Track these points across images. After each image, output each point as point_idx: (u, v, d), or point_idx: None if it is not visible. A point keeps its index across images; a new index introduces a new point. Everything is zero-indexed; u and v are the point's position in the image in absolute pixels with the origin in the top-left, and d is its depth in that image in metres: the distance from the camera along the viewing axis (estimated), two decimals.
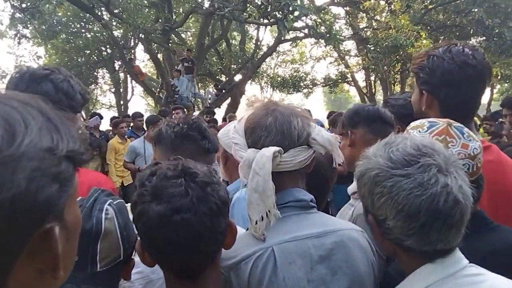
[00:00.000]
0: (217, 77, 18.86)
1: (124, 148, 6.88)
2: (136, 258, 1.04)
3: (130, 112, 13.06)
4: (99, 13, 14.81)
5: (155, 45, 15.05)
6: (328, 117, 8.06)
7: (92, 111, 15.42)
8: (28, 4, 13.74)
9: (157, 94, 15.20)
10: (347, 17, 19.28)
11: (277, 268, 1.06)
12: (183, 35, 19.69)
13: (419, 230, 0.96)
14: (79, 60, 21.06)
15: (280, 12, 11.06)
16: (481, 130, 6.84)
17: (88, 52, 20.70)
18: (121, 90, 24.13)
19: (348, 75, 22.27)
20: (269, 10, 11.51)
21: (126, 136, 7.30)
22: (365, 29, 18.24)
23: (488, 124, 6.50)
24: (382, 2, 17.33)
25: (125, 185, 6.93)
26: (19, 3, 13.82)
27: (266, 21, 12.90)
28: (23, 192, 0.46)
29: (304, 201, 1.17)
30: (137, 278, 1.19)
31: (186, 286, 0.99)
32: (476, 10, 15.66)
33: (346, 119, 1.83)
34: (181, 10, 16.26)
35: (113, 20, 15.81)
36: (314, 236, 1.12)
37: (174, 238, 0.90)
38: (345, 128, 1.82)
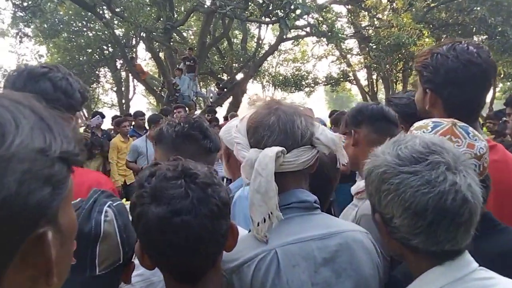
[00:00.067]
0: (219, 75, 18.85)
1: (126, 147, 6.87)
2: (137, 260, 1.02)
3: (132, 111, 13.07)
4: (101, 12, 14.81)
5: (157, 43, 15.05)
6: (330, 116, 8.05)
7: (94, 110, 15.44)
8: (30, 2, 13.73)
9: (158, 92, 15.20)
10: (349, 15, 19.26)
11: (280, 271, 1.04)
12: (184, 34, 19.68)
13: (426, 228, 0.94)
14: (81, 59, 21.06)
15: (282, 11, 11.04)
16: (484, 129, 6.80)
17: (90, 51, 20.69)
18: (123, 89, 24.16)
19: (350, 74, 22.24)
20: (270, 8, 11.49)
21: (128, 135, 7.29)
22: (367, 28, 18.19)
23: (491, 123, 6.47)
24: (384, 1, 17.32)
25: (127, 184, 6.92)
26: (20, 2, 13.81)
27: (267, 19, 12.87)
28: (13, 196, 0.43)
29: (308, 202, 1.15)
30: (138, 281, 1.17)
31: None
32: (478, 8, 15.62)
33: (350, 118, 1.81)
34: (182, 8, 16.27)
35: (114, 19, 15.79)
36: (318, 238, 1.10)
37: (174, 241, 0.88)
38: (348, 127, 1.80)
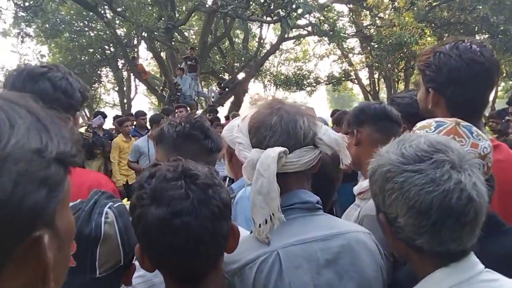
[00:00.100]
0: (220, 75, 18.85)
1: (128, 146, 6.87)
2: (137, 262, 1.01)
3: (133, 110, 13.08)
4: (102, 12, 14.81)
5: (158, 43, 15.05)
6: (331, 115, 8.04)
7: (96, 110, 15.46)
8: (31, 2, 13.74)
9: (160, 92, 15.21)
10: (351, 14, 19.23)
11: (282, 272, 1.02)
12: (186, 33, 19.69)
13: (431, 228, 0.92)
14: (82, 58, 21.08)
15: (283, 10, 11.02)
16: (487, 128, 6.78)
17: (91, 50, 20.70)
18: (125, 88, 24.17)
19: (352, 73, 22.24)
20: (272, 7, 11.47)
21: (130, 135, 7.28)
22: (369, 27, 18.18)
23: (494, 122, 6.45)
24: (386, 0, 17.26)
25: (129, 183, 6.92)
26: (22, 2, 13.82)
27: (269, 18, 12.84)
28: (8, 197, 0.42)
29: (310, 203, 1.13)
30: (139, 283, 1.16)
31: None
32: (480, 7, 15.58)
33: (352, 118, 1.79)
34: (184, 8, 16.27)
35: (116, 19, 15.80)
36: (321, 239, 1.08)
37: (174, 243, 0.87)
38: (350, 127, 1.79)
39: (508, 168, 1.46)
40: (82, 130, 6.63)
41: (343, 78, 22.32)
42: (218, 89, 16.50)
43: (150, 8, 13.81)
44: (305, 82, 22.06)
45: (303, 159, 1.10)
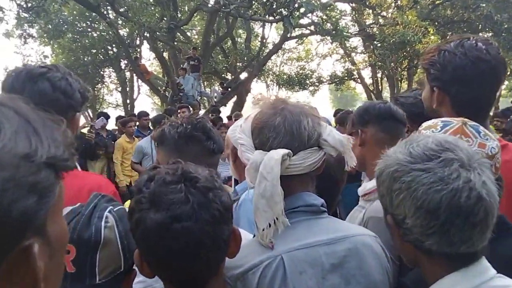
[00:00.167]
0: (223, 75, 18.86)
1: (132, 147, 6.86)
2: None
3: (136, 111, 13.07)
4: (105, 12, 14.85)
5: (161, 43, 15.06)
6: (334, 115, 8.01)
7: (99, 111, 15.49)
8: (33, 3, 13.77)
9: (162, 92, 15.21)
10: (353, 13, 19.19)
11: (286, 278, 1.00)
12: (188, 33, 19.71)
13: (440, 228, 0.90)
14: (85, 59, 21.16)
15: (286, 9, 11.01)
16: (492, 127, 6.74)
17: (94, 51, 20.77)
18: (128, 89, 24.23)
19: (355, 72, 22.22)
20: (274, 7, 11.45)
21: (133, 136, 7.27)
22: (372, 26, 18.14)
23: (498, 121, 6.40)
24: None
25: (133, 184, 6.90)
26: (24, 2, 13.85)
27: (271, 18, 12.83)
28: None
29: (315, 206, 1.10)
30: None
31: None
32: (484, 5, 15.53)
33: (356, 118, 1.77)
34: (186, 8, 16.26)
35: (118, 19, 15.84)
36: (326, 243, 1.06)
37: (174, 248, 0.84)
38: (355, 127, 1.76)
39: None
40: (85, 130, 6.63)
41: (346, 78, 22.30)
42: (221, 89, 16.52)
43: (152, 8, 13.83)
44: (307, 82, 22.04)
45: (307, 161, 1.07)
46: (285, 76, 22.62)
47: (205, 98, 17.76)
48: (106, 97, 26.59)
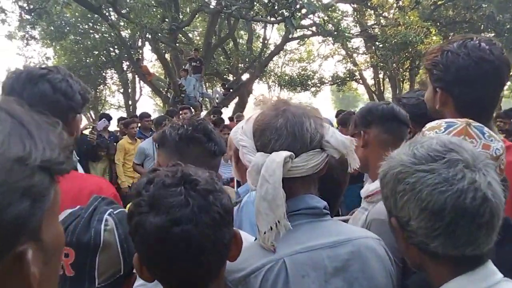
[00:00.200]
0: (225, 76, 18.87)
1: (134, 148, 6.86)
2: None
3: (138, 112, 13.09)
4: (107, 13, 14.87)
5: (163, 45, 15.07)
6: (336, 116, 7.99)
7: (101, 112, 15.50)
8: (36, 5, 13.81)
9: (164, 94, 15.22)
10: (355, 14, 19.18)
11: (288, 281, 0.98)
12: (190, 35, 19.74)
13: (445, 229, 0.88)
14: (87, 61, 21.22)
15: (287, 10, 11.00)
16: (495, 128, 6.72)
17: (96, 52, 20.83)
18: (130, 90, 24.27)
19: (356, 73, 22.18)
20: (276, 8, 11.45)
21: (135, 137, 7.27)
22: (373, 26, 18.12)
23: (501, 122, 6.36)
24: None
25: None
26: (26, 4, 13.89)
27: (273, 19, 12.84)
28: None
29: (317, 209, 1.09)
30: None
31: None
32: (486, 5, 15.49)
33: (359, 119, 1.76)
34: (188, 9, 16.29)
35: (120, 20, 15.86)
36: (328, 246, 1.04)
37: (173, 252, 0.83)
38: (357, 128, 1.75)
39: None
40: (87, 132, 6.64)
41: (348, 78, 22.25)
42: (223, 90, 16.52)
43: (154, 9, 13.84)
44: (309, 83, 22.02)
45: (309, 163, 1.05)
46: (286, 77, 22.60)
47: (207, 100, 17.77)
48: (108, 98, 26.70)
